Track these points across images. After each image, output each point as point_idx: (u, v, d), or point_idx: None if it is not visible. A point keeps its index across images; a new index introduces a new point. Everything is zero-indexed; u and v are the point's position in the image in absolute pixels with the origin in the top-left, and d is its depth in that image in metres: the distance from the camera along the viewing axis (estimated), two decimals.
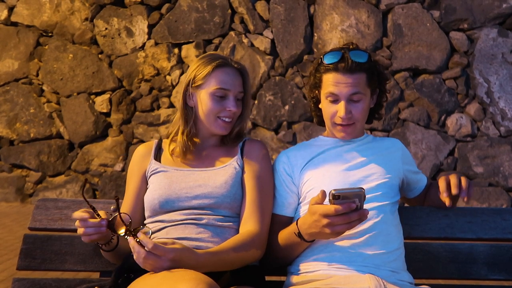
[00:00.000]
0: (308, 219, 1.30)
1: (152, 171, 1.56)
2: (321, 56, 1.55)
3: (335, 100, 1.52)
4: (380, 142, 1.65)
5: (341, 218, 1.23)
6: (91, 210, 1.33)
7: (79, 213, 1.32)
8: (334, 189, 1.22)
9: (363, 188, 1.23)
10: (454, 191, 1.46)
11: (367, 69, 1.52)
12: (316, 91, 1.60)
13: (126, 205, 1.55)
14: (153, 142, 1.65)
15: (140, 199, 1.55)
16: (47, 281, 1.55)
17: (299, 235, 1.37)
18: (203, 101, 1.56)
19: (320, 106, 1.61)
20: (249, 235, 1.42)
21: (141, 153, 1.62)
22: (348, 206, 1.21)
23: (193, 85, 1.58)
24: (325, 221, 1.24)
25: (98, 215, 1.33)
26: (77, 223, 1.32)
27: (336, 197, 1.21)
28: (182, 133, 1.58)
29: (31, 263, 1.58)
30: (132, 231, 1.25)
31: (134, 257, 1.22)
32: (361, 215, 1.24)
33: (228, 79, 1.56)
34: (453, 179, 1.49)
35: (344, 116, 1.50)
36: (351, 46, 1.55)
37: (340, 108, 1.50)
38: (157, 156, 1.60)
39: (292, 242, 1.42)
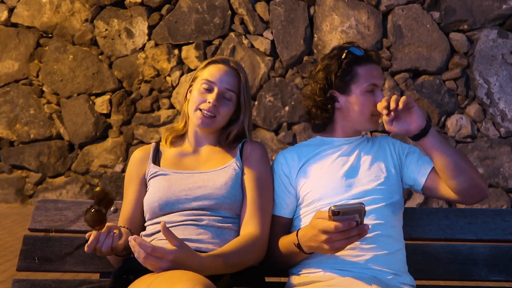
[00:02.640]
0: (308, 232, 1.30)
1: (151, 174, 1.56)
2: (346, 50, 1.55)
3: (372, 90, 1.54)
4: (372, 142, 1.63)
5: (340, 234, 1.22)
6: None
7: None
8: (334, 205, 1.21)
9: (363, 204, 1.21)
10: (392, 106, 1.42)
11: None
12: (332, 90, 1.56)
13: (126, 210, 1.55)
14: (151, 146, 1.65)
15: (140, 203, 1.55)
16: (47, 282, 1.55)
17: (299, 246, 1.36)
18: (192, 92, 1.62)
19: (339, 105, 1.57)
20: (250, 237, 1.42)
21: (138, 157, 1.62)
22: (349, 224, 1.20)
23: (192, 81, 1.65)
24: (323, 236, 1.23)
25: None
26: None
27: (336, 213, 1.20)
28: (184, 125, 1.66)
29: (31, 264, 1.58)
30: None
31: (135, 256, 1.21)
32: (361, 231, 1.22)
33: (217, 73, 1.58)
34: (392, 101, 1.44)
35: (386, 104, 1.46)
36: (355, 44, 1.60)
37: (380, 98, 1.51)
38: (156, 160, 1.60)
39: (292, 252, 1.41)
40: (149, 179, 1.56)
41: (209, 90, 1.57)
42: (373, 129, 1.59)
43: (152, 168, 1.57)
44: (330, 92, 1.57)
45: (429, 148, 1.47)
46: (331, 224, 1.21)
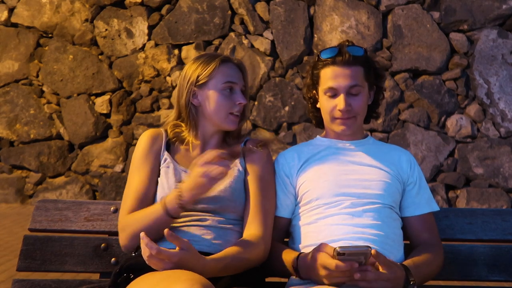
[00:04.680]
0: (309, 262, 1.29)
1: (165, 161, 1.53)
2: (318, 54, 1.56)
3: (334, 94, 1.51)
4: (383, 147, 1.62)
5: (341, 273, 1.21)
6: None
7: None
8: (340, 246, 1.19)
9: (369, 247, 1.19)
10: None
11: (364, 63, 1.53)
12: (314, 91, 1.60)
13: (142, 183, 1.49)
14: (162, 130, 1.62)
15: (156, 178, 1.51)
16: (47, 282, 1.55)
17: (296, 270, 1.35)
18: (212, 98, 1.54)
19: (318, 105, 1.60)
20: (253, 239, 1.41)
21: (152, 136, 1.58)
22: (350, 265, 1.18)
23: (197, 84, 1.55)
24: (324, 272, 1.23)
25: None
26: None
27: (341, 254, 1.18)
28: (189, 133, 1.57)
29: (31, 264, 1.58)
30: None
31: (142, 253, 1.23)
32: (363, 274, 1.19)
33: (233, 72, 1.56)
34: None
35: (343, 108, 1.48)
36: (347, 43, 1.55)
37: (340, 101, 1.49)
38: (168, 148, 1.58)
39: (290, 270, 1.40)
40: (162, 165, 1.53)
41: (232, 91, 1.55)
42: (345, 133, 1.54)
43: (166, 156, 1.54)
44: (313, 92, 1.61)
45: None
46: (333, 263, 1.20)
